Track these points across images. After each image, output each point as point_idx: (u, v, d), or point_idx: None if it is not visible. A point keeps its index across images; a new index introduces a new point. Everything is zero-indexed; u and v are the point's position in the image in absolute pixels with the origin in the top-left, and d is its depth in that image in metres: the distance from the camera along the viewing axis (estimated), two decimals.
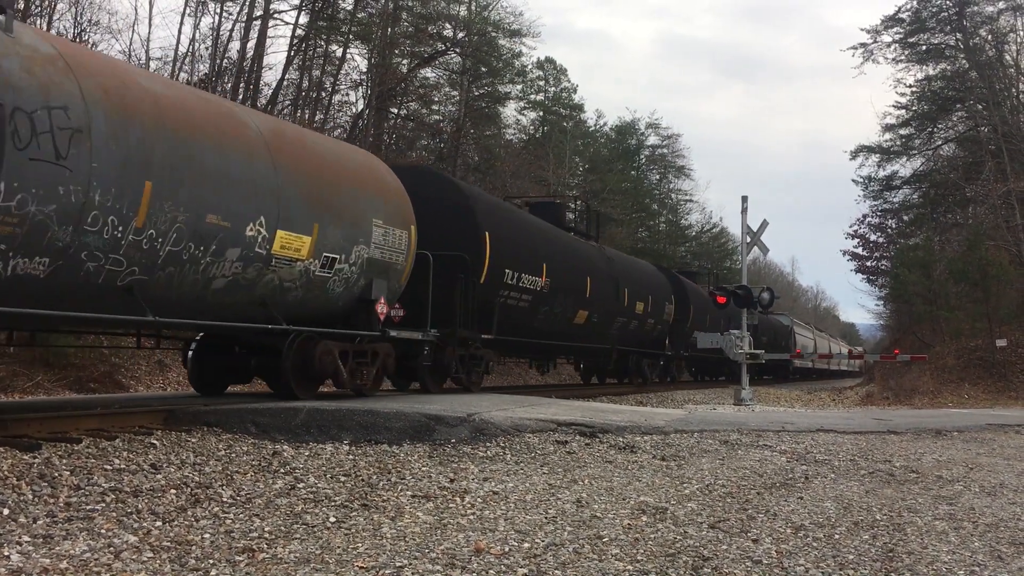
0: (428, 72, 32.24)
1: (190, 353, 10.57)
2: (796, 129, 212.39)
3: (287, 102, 26.27)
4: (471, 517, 5.03)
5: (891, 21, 35.57)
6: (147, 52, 22.24)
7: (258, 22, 24.23)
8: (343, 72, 28.22)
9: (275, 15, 25.16)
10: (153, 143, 7.34)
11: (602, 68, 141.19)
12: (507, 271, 14.00)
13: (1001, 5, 32.39)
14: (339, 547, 4.25)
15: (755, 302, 18.72)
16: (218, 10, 24.29)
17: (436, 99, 33.06)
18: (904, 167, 38.15)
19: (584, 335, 18.68)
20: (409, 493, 5.69)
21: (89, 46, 18.63)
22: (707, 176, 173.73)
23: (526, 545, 4.41)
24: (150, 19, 33.36)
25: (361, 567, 3.91)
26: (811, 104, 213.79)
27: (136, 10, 58.16)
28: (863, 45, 36.05)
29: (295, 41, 25.91)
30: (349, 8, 27.60)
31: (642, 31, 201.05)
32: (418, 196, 11.83)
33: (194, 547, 4.14)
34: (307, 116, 25.52)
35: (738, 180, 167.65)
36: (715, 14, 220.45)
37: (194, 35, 25.38)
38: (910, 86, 36.59)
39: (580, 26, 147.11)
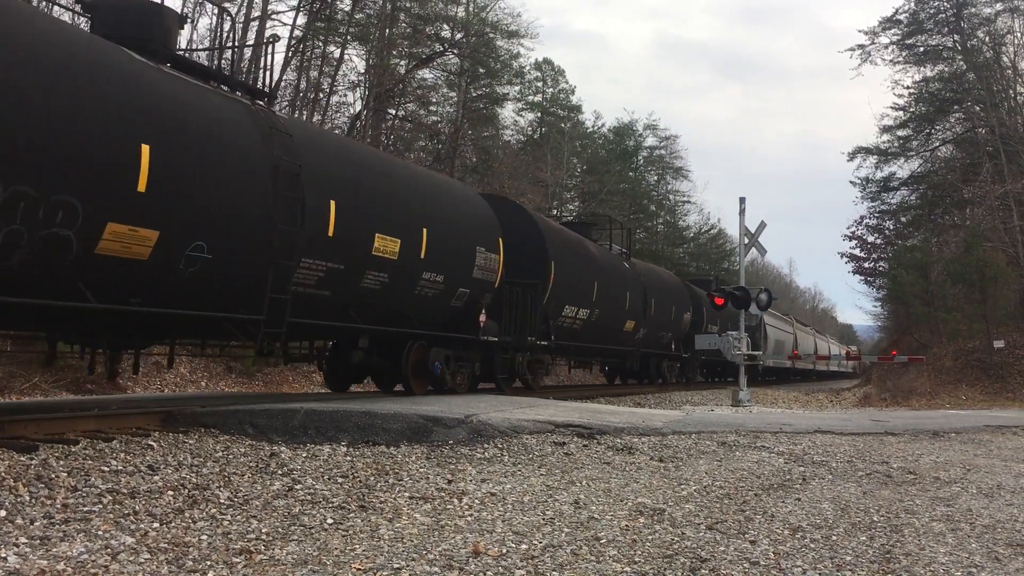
0: (426, 73, 32.28)
1: None
2: (793, 130, 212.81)
3: (284, 103, 26.28)
4: (469, 518, 5.03)
5: (889, 23, 35.65)
6: None
7: (256, 23, 24.25)
8: (341, 73, 28.26)
9: (273, 16, 25.19)
10: None
11: (599, 69, 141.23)
12: None
13: (999, 7, 32.48)
14: (337, 548, 4.25)
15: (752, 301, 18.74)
16: (216, 12, 24.31)
17: (434, 100, 33.11)
18: (902, 168, 38.26)
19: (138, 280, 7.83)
20: (407, 494, 5.68)
21: None
22: (705, 177, 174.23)
23: (524, 546, 4.41)
24: None
25: (359, 568, 3.91)
26: (808, 105, 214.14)
27: None
28: (861, 47, 36.13)
29: (293, 42, 25.92)
30: (347, 9, 27.63)
31: (639, 32, 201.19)
32: None
33: (191, 548, 4.13)
34: (304, 117, 25.50)
35: (736, 181, 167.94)
36: (712, 15, 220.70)
37: (192, 36, 25.32)
38: (908, 87, 36.71)
39: (577, 27, 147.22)
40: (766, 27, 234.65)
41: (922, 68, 35.96)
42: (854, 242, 41.40)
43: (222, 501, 5.23)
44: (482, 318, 13.34)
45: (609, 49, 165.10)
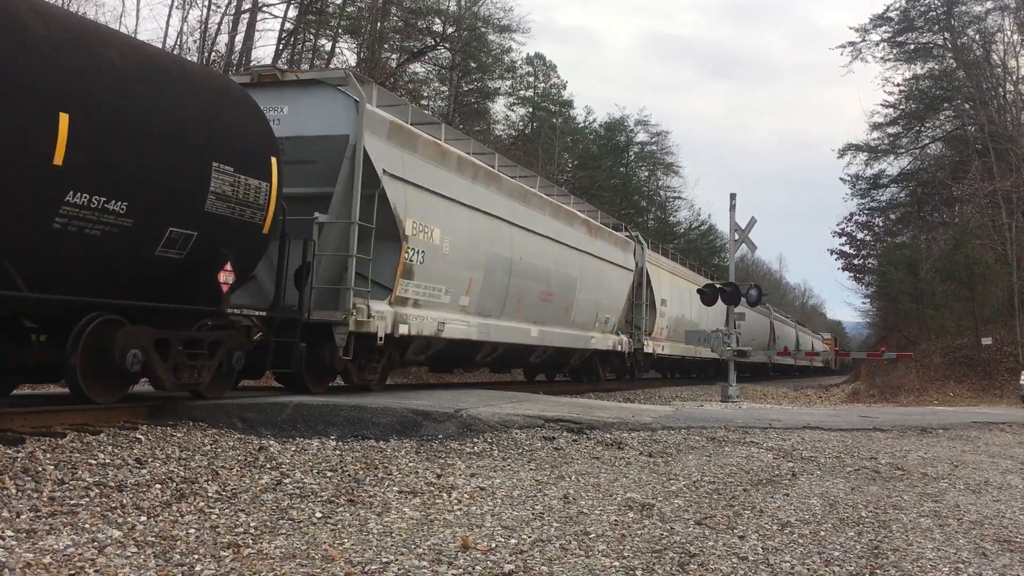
0: (417, 67, 32.22)
1: None
2: (783, 127, 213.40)
3: None
4: (458, 513, 5.02)
5: (880, 20, 35.82)
6: None
7: (246, 15, 24.15)
8: (332, 66, 28.10)
9: (264, 8, 25.08)
10: None
11: (586, 65, 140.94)
12: None
13: (989, 5, 32.66)
14: (325, 542, 4.23)
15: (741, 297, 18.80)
16: (206, 3, 24.20)
17: (425, 94, 33.01)
18: (891, 166, 38.46)
19: None
20: (396, 489, 5.67)
21: None
22: (695, 173, 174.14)
23: (513, 541, 4.40)
24: (138, 12, 33.31)
25: (347, 562, 3.89)
26: (797, 102, 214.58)
27: (124, 2, 58.05)
28: (852, 44, 36.34)
29: (284, 35, 25.82)
30: (338, 2, 27.53)
31: (626, 28, 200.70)
32: None
33: (179, 542, 4.11)
34: None
35: (726, 177, 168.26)
36: (698, 12, 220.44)
37: (182, 28, 25.22)
38: (898, 85, 36.86)
39: (564, 23, 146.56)
40: (753, 25, 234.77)
41: (912, 66, 36.19)
42: (844, 239, 41.63)
43: (210, 495, 5.20)
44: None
45: (596, 45, 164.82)
